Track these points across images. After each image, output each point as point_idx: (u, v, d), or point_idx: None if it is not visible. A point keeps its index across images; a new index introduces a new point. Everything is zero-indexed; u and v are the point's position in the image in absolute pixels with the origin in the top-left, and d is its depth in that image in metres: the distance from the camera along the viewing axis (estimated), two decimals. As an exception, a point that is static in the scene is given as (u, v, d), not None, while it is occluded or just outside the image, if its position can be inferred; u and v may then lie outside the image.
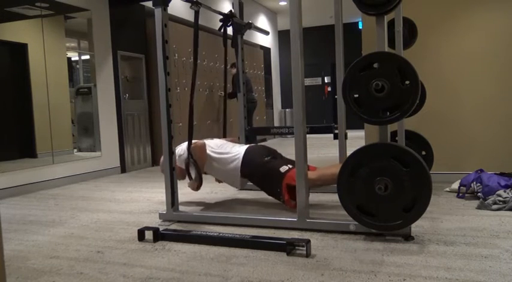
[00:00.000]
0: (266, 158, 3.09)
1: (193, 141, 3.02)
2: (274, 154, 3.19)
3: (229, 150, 3.21)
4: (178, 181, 2.91)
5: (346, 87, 2.20)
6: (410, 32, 3.45)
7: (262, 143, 8.82)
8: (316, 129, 3.93)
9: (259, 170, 3.05)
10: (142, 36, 6.14)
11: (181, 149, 3.21)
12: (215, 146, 3.26)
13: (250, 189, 3.88)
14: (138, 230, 2.52)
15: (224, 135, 3.71)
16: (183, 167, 3.09)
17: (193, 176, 3.07)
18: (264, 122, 9.65)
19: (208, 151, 3.20)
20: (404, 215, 2.16)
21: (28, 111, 4.63)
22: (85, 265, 2.13)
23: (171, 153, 2.82)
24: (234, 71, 6.46)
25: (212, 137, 3.52)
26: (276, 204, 3.34)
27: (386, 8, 2.18)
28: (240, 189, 3.92)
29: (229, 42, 3.53)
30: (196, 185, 3.08)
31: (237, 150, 3.18)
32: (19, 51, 4.60)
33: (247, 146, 3.26)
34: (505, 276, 1.76)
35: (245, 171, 3.11)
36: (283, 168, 2.92)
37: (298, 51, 2.41)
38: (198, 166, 2.98)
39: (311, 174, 2.80)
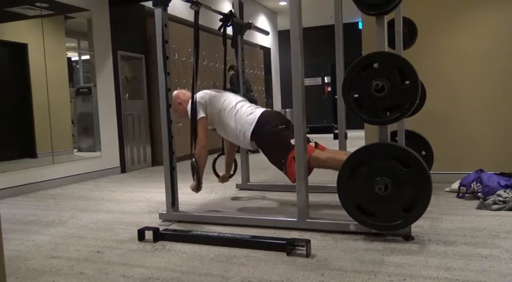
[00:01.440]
0: (280, 126, 2.95)
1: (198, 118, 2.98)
2: (288, 124, 3.04)
3: (244, 109, 3.06)
4: (178, 180, 2.90)
5: (346, 87, 2.20)
6: (410, 32, 3.45)
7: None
8: (316, 129, 3.93)
9: (270, 136, 2.93)
10: (142, 36, 6.14)
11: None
12: (232, 100, 3.13)
13: (250, 189, 3.89)
14: (138, 230, 2.52)
15: None
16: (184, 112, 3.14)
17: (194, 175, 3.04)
18: (264, 122, 9.63)
19: (219, 103, 3.10)
20: (404, 215, 2.16)
21: (28, 111, 4.63)
22: (85, 265, 2.13)
23: (172, 153, 2.82)
24: (231, 72, 6.48)
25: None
26: (276, 204, 3.34)
27: (386, 8, 2.18)
28: (240, 189, 3.92)
29: (229, 42, 3.52)
30: (196, 186, 3.05)
31: (253, 111, 3.05)
32: (19, 51, 4.60)
33: (263, 109, 3.12)
34: (505, 276, 1.76)
35: (255, 133, 2.97)
36: (294, 141, 2.86)
37: (298, 51, 2.41)
38: (198, 167, 2.95)
39: (320, 154, 2.78)
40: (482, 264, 1.91)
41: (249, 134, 2.97)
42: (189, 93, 3.22)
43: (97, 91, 5.29)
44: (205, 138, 3.02)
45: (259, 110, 3.06)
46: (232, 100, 3.14)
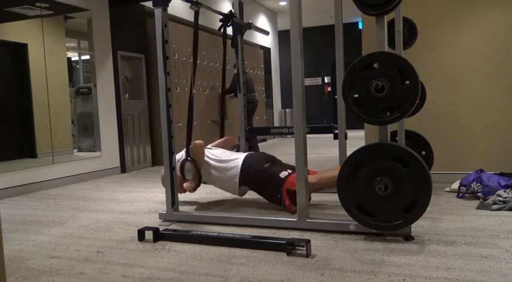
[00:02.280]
0: (265, 165, 3.08)
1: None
2: (273, 160, 3.19)
3: (227, 158, 3.20)
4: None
5: (346, 87, 2.20)
6: (410, 32, 3.45)
7: (262, 143, 8.82)
8: (316, 129, 3.94)
9: (259, 177, 3.05)
10: (142, 36, 6.14)
11: (181, 154, 3.18)
12: (214, 153, 3.26)
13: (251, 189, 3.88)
14: (138, 230, 2.52)
15: (222, 135, 3.71)
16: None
17: (190, 176, 3.05)
18: (264, 122, 9.65)
19: (206, 159, 3.19)
20: (404, 215, 2.16)
21: (28, 111, 4.63)
22: (85, 265, 2.13)
23: (171, 153, 2.82)
24: (236, 71, 6.45)
25: (209, 140, 3.49)
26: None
27: (387, 8, 2.19)
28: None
29: (229, 42, 3.53)
30: (194, 186, 3.06)
31: (236, 158, 3.17)
32: (19, 51, 4.60)
33: (246, 153, 3.24)
34: (505, 276, 1.76)
35: (244, 179, 3.10)
36: (283, 174, 2.92)
37: (298, 51, 2.41)
38: (197, 165, 2.97)
39: (310, 178, 2.80)
40: (482, 264, 1.91)
41: (237, 180, 3.10)
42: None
43: (97, 91, 5.29)
44: (200, 140, 3.10)
45: (241, 156, 3.18)
46: (212, 153, 3.25)
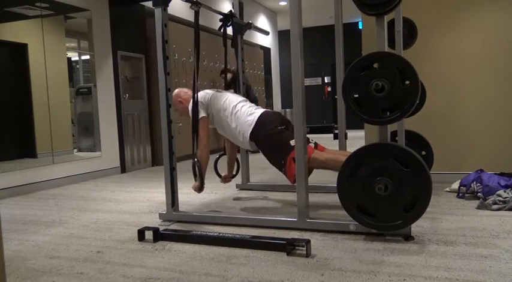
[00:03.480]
0: (279, 127, 2.96)
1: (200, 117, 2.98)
2: (287, 125, 3.04)
3: (245, 110, 3.06)
4: (178, 180, 2.90)
5: (346, 87, 2.20)
6: (410, 32, 3.45)
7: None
8: (316, 129, 3.94)
9: (269, 137, 2.94)
10: (142, 36, 6.14)
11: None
12: (233, 100, 3.12)
13: (250, 189, 3.89)
14: (138, 230, 2.52)
15: None
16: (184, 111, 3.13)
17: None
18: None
19: (222, 103, 3.09)
20: (404, 215, 2.16)
21: (28, 111, 4.62)
22: (85, 265, 2.13)
23: (172, 153, 2.82)
24: (229, 76, 6.43)
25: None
26: (276, 204, 3.34)
27: (386, 8, 2.19)
28: (240, 190, 3.92)
29: (229, 42, 3.52)
30: (198, 186, 3.04)
31: (253, 112, 3.05)
32: (19, 51, 4.60)
33: (263, 110, 3.12)
34: (505, 276, 1.76)
35: (255, 134, 2.98)
36: (293, 142, 2.75)
37: (298, 51, 2.41)
38: (201, 167, 2.94)
39: (319, 155, 2.78)
40: (482, 264, 1.91)
41: (248, 135, 2.98)
42: (190, 92, 3.22)
43: (97, 91, 5.29)
44: (206, 137, 3.02)
45: (259, 111, 3.05)
46: (233, 100, 3.12)
